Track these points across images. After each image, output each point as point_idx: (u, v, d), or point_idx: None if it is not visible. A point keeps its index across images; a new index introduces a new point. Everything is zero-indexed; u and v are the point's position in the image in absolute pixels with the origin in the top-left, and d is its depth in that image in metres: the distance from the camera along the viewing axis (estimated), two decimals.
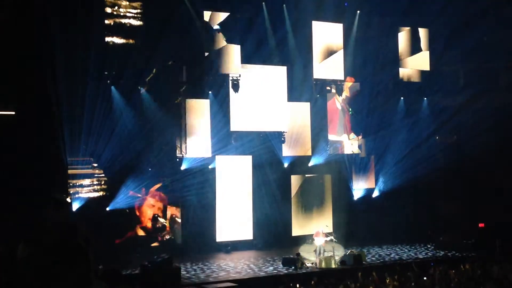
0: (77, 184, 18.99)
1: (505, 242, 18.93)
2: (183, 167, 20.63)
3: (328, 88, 23.34)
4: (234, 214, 21.36)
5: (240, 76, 21.27)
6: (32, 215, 16.31)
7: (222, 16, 21.06)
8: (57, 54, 17.47)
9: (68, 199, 18.22)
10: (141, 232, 20.22)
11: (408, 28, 24.08)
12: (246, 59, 21.39)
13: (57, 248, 3.32)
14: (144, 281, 15.20)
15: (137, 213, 20.25)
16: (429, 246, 21.42)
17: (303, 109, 22.66)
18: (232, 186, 21.50)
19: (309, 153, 22.74)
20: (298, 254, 17.93)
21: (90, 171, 19.29)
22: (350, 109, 23.78)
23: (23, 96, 17.25)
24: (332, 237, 18.26)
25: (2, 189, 16.37)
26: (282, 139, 22.05)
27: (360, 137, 23.74)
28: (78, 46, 17.81)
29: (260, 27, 21.59)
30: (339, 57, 22.99)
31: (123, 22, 19.65)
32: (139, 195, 20.09)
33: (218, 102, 21.17)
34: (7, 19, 16.83)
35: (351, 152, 23.63)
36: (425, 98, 24.15)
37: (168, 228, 20.67)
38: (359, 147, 23.78)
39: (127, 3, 19.71)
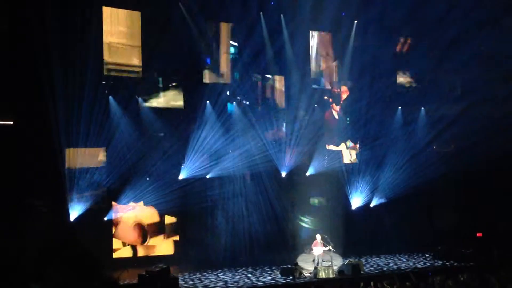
0: (75, 194, 18.92)
1: (503, 252, 18.93)
2: (181, 177, 20.61)
3: (326, 97, 23.39)
4: (232, 224, 21.37)
5: (238, 85, 21.35)
6: (30, 224, 16.38)
7: (220, 25, 21.12)
8: (55, 64, 17.48)
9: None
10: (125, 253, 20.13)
11: (405, 37, 24.14)
12: (244, 68, 21.44)
13: (75, 262, 3.34)
14: None
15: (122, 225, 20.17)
16: (427, 255, 21.41)
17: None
18: (230, 196, 21.50)
19: (307, 162, 22.75)
20: (296, 264, 17.92)
21: (87, 180, 19.24)
22: (347, 119, 23.82)
23: (22, 106, 17.26)
24: (330, 247, 18.25)
25: (0, 198, 16.37)
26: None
27: (357, 145, 23.77)
28: (76, 56, 17.83)
29: (258, 36, 21.63)
30: (336, 66, 23.08)
31: (121, 30, 19.68)
32: (129, 208, 20.05)
33: (216, 111, 21.18)
34: (5, 30, 16.87)
35: (350, 162, 23.64)
36: (423, 108, 24.17)
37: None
38: (357, 156, 23.79)
39: (125, 12, 19.69)
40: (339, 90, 23.41)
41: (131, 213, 20.09)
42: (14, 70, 16.79)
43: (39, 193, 17.31)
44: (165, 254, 20.26)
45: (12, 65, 16.77)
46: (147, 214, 20.39)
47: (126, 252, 19.86)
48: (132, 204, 19.92)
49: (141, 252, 20.12)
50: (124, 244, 19.91)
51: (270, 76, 22.12)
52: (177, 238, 20.77)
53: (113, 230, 19.78)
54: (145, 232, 20.31)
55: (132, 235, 20.12)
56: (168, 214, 20.69)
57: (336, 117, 23.61)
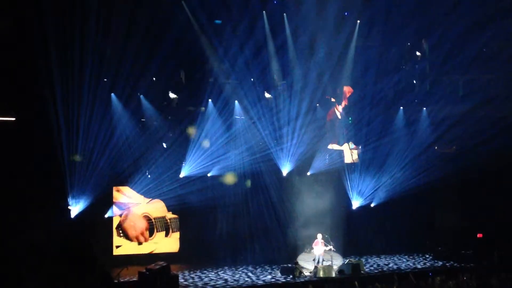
0: (76, 190, 18.92)
1: (504, 253, 18.93)
2: (182, 174, 20.62)
3: (328, 97, 23.35)
4: (232, 221, 21.38)
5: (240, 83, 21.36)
6: (30, 219, 16.40)
7: (222, 24, 21.12)
8: (55, 62, 17.50)
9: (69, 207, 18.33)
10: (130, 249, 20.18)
11: (408, 37, 24.08)
12: (246, 67, 21.43)
13: (69, 258, 3.33)
14: None
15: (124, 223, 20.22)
16: (427, 256, 21.41)
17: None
18: (231, 193, 21.51)
19: (308, 162, 22.73)
20: (296, 263, 17.92)
21: (88, 177, 19.25)
22: (349, 118, 23.79)
23: (23, 103, 17.27)
24: (330, 246, 18.24)
25: (2, 193, 16.39)
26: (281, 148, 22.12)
27: (359, 146, 23.74)
28: (75, 52, 17.81)
29: (260, 35, 21.58)
30: (339, 66, 23.02)
31: (120, 28, 19.65)
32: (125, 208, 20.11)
33: (217, 109, 21.17)
34: (7, 26, 16.89)
35: (351, 161, 23.61)
36: (425, 108, 24.13)
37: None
38: (359, 156, 23.77)
39: (125, 9, 19.64)
40: (341, 89, 23.36)
41: (138, 207, 20.17)
42: (15, 67, 16.80)
43: (40, 189, 17.30)
44: (167, 251, 20.30)
45: (13, 63, 16.79)
46: (153, 208, 20.59)
47: (128, 249, 19.89)
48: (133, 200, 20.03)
49: (143, 249, 20.15)
50: (129, 239, 19.99)
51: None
52: (178, 235, 20.81)
53: (118, 224, 19.95)
54: (152, 225, 20.40)
55: (140, 227, 20.20)
56: (170, 211, 20.74)
57: (339, 116, 23.58)
